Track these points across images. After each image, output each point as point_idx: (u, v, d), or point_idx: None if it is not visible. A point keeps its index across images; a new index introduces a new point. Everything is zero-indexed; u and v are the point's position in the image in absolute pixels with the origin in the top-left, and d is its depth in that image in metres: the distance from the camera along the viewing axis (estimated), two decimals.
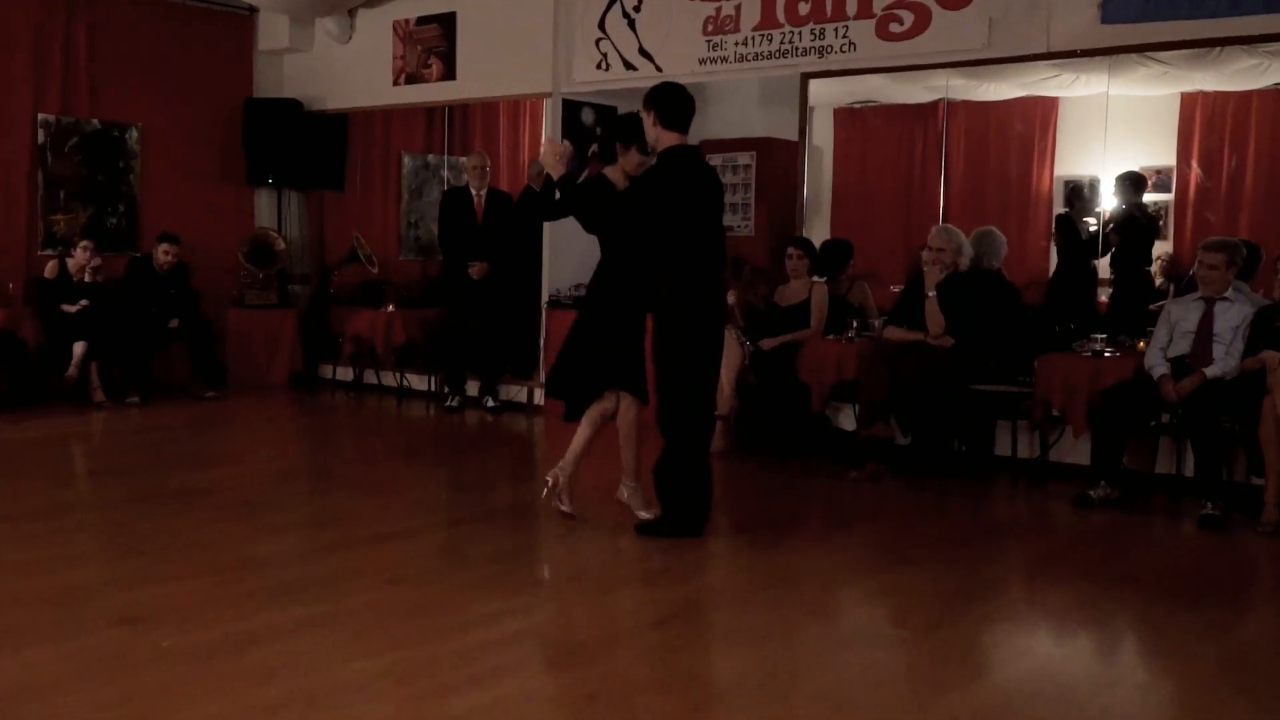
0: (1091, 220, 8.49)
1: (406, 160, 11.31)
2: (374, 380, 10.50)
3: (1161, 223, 9.14)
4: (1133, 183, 8.21)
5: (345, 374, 10.72)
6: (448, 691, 3.57)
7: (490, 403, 9.38)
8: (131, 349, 9.39)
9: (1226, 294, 6.22)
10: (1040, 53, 7.43)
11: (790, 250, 7.87)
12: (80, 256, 9.27)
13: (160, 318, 9.54)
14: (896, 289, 8.15)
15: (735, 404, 7.55)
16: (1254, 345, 6.03)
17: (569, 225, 9.25)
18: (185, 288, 9.77)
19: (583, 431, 5.55)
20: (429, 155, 11.24)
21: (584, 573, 5.03)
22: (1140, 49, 7.25)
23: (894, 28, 7.77)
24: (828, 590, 4.77)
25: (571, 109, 9.42)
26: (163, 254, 9.57)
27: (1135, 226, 8.04)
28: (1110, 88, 7.84)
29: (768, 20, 8.27)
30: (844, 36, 7.96)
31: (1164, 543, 5.90)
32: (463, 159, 10.22)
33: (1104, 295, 8.94)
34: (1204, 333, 6.19)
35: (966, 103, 9.34)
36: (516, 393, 9.61)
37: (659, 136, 5.28)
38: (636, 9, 8.89)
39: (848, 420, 7.70)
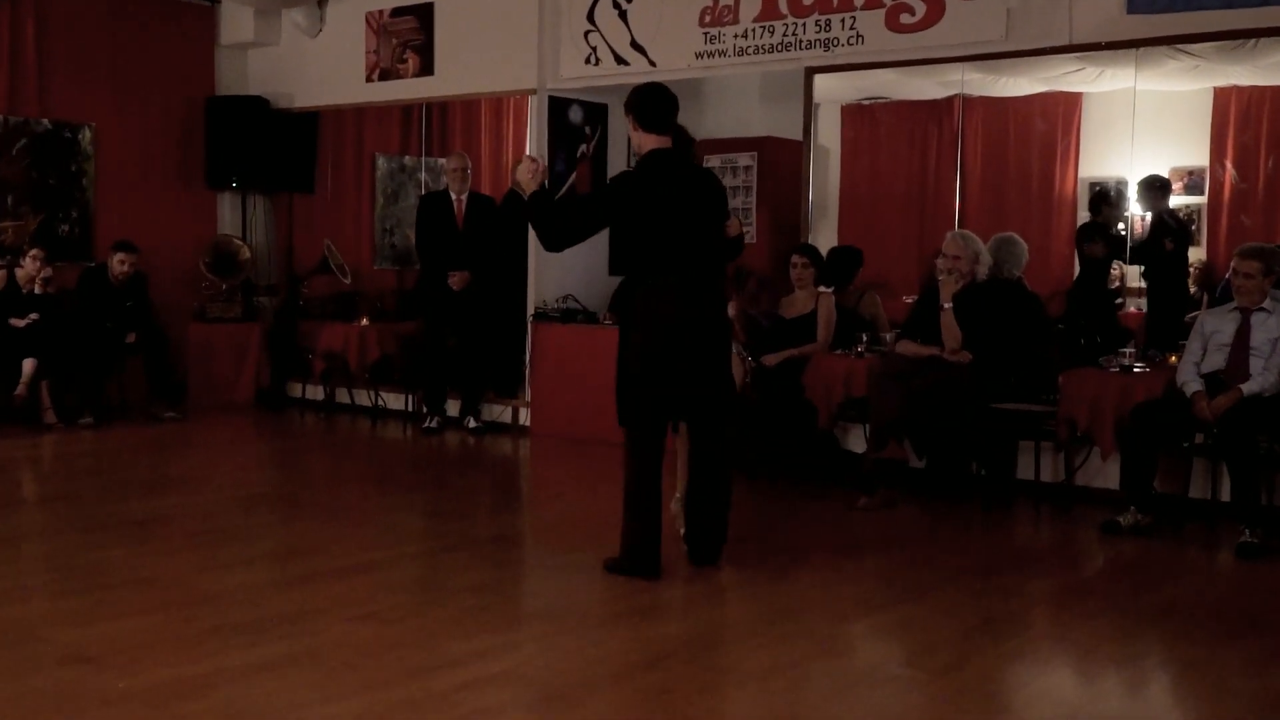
0: (1121, 226, 8.49)
1: (381, 162, 11.30)
2: (346, 399, 10.48)
3: (1195, 227, 9.15)
4: (1156, 187, 8.16)
5: (315, 393, 10.70)
6: None
7: (472, 423, 9.36)
8: (85, 366, 9.37)
9: (1264, 304, 6.21)
10: (1062, 45, 7.45)
11: (795, 258, 7.86)
12: (30, 267, 9.25)
13: (116, 332, 9.51)
14: (910, 300, 8.14)
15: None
16: None
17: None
18: (143, 300, 9.75)
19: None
20: (405, 157, 11.24)
21: (573, 608, 4.99)
22: (1170, 41, 7.27)
23: (905, 19, 7.79)
24: (836, 626, 4.74)
25: (559, 107, 9.43)
26: (118, 264, 9.55)
27: (1166, 233, 8.01)
28: (1137, 82, 7.86)
29: (769, 11, 8.28)
30: (851, 28, 7.98)
31: (1199, 573, 5.89)
32: (442, 161, 10.22)
33: (1133, 306, 8.95)
34: (1240, 346, 6.18)
35: (983, 99, 9.35)
36: (500, 413, 9.59)
37: (641, 140, 5.36)
38: (629, 1, 8.90)
39: (857, 442, 7.68)
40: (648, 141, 5.34)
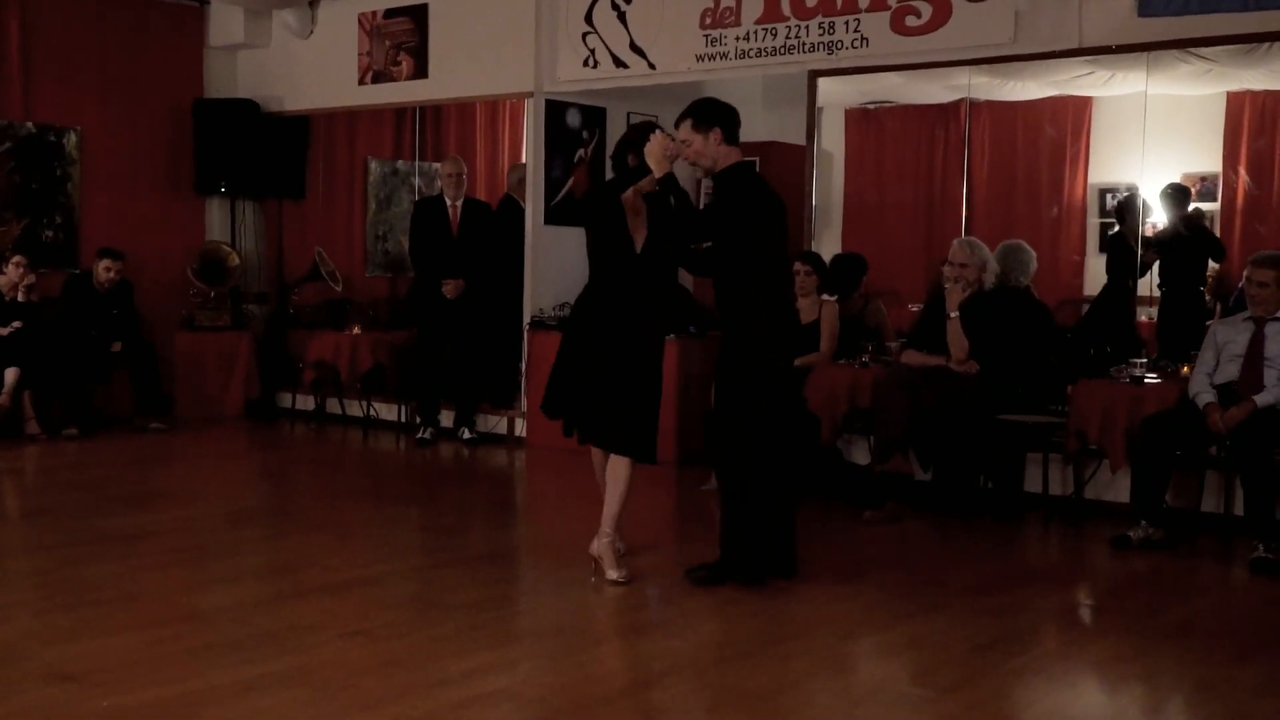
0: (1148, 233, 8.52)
1: (374, 167, 11.32)
2: (338, 410, 10.48)
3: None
4: (1175, 196, 8.16)
5: (306, 403, 10.71)
6: None
7: (467, 434, 9.36)
8: (69, 376, 9.38)
9: (1278, 314, 6.23)
10: (1072, 48, 7.45)
11: (797, 266, 7.86)
12: (12, 274, 9.25)
13: (101, 341, 9.52)
14: (915, 308, 8.15)
15: None
16: None
17: (552, 238, 9.43)
18: (129, 308, 9.76)
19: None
20: (399, 161, 11.25)
21: (571, 625, 4.99)
22: (1182, 44, 7.28)
23: (911, 21, 7.80)
24: (840, 644, 4.75)
25: (556, 110, 9.45)
26: (104, 271, 9.56)
27: (1180, 243, 7.97)
28: (1149, 86, 7.87)
29: (771, 13, 8.30)
30: (856, 31, 7.99)
31: (1212, 589, 5.89)
32: (436, 165, 10.23)
33: (1144, 315, 8.96)
34: (1254, 357, 6.20)
35: (991, 103, 9.37)
36: (496, 423, 9.60)
37: (722, 153, 5.31)
38: (628, 1, 8.92)
39: (862, 454, 7.69)
40: (730, 155, 5.31)
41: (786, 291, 5.52)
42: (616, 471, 5.37)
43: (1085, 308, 9.32)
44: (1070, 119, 9.46)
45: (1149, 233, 8.40)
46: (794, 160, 8.88)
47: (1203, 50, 7.45)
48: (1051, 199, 9.56)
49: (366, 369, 10.04)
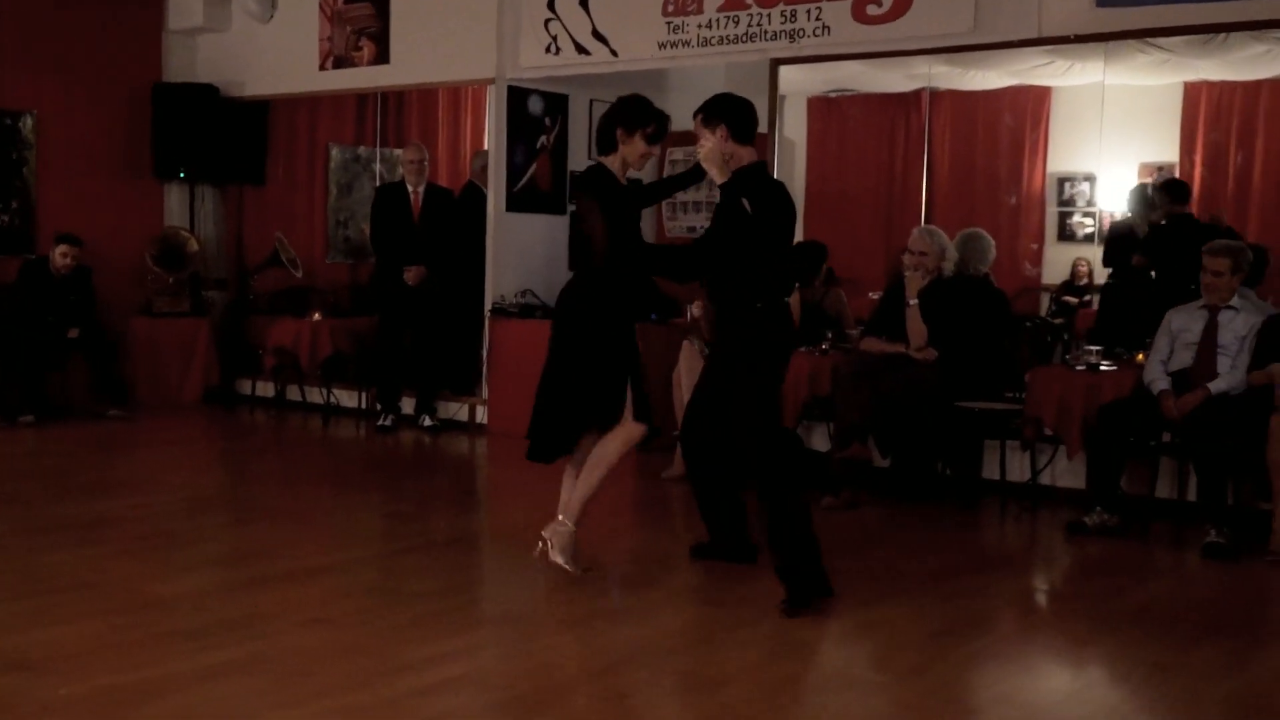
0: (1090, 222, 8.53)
1: (335, 152, 11.25)
2: (298, 397, 10.42)
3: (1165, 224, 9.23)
4: (1173, 190, 8.08)
5: (266, 390, 10.65)
6: None
7: (428, 421, 9.34)
8: (26, 362, 9.28)
9: (1232, 302, 6.29)
10: (1031, 38, 7.48)
11: None
12: None
13: (58, 327, 9.43)
14: (875, 296, 8.19)
15: None
16: (1261, 358, 6.11)
17: (514, 225, 9.40)
18: (86, 294, 9.67)
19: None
20: (360, 147, 11.19)
21: (532, 612, 5.00)
22: (1139, 34, 7.33)
23: (872, 10, 7.82)
24: (799, 630, 4.76)
25: (518, 97, 9.42)
26: (61, 256, 9.47)
27: (1174, 238, 7.76)
28: (1107, 76, 7.94)
29: (734, 1, 8.30)
30: (817, 19, 8.01)
31: (1166, 574, 5.96)
32: (398, 152, 10.19)
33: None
34: (1208, 344, 6.27)
35: (952, 92, 9.43)
36: (457, 410, 9.58)
37: (734, 153, 5.12)
38: None
39: (822, 441, 7.72)
40: (744, 154, 5.14)
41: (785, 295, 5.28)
42: (593, 460, 5.18)
43: (1046, 297, 9.40)
44: (1029, 108, 9.51)
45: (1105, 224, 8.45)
46: (756, 148, 8.86)
47: (1160, 41, 7.51)
48: (1010, 188, 9.63)
49: (327, 356, 10.00)
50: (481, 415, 9.42)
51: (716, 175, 5.02)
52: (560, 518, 5.23)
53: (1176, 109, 8.95)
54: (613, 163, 5.20)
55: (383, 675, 4.09)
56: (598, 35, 8.88)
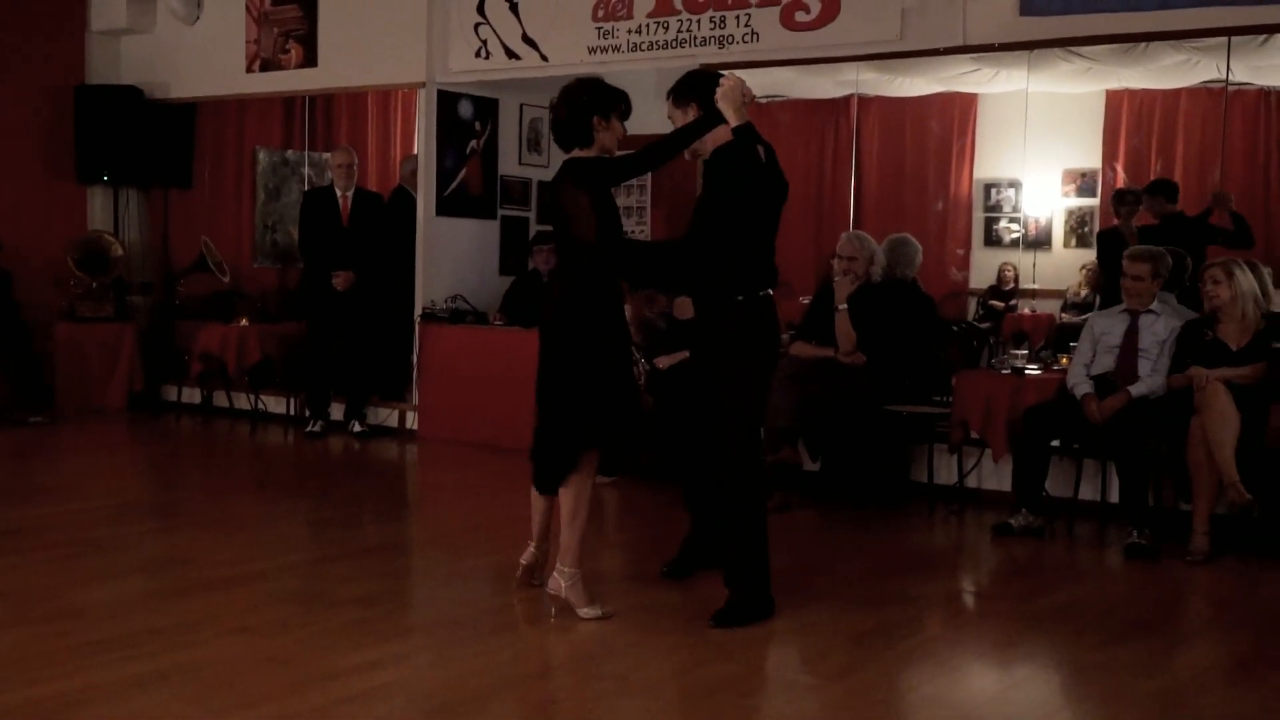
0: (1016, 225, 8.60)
1: (262, 156, 11.14)
2: (225, 403, 10.30)
3: (1087, 229, 9.39)
4: (1164, 190, 8.06)
5: (192, 396, 10.51)
6: None
7: (357, 427, 9.26)
8: None
9: (1152, 306, 6.39)
10: (956, 45, 7.55)
11: None
12: None
13: None
14: (805, 300, 8.24)
15: None
16: (1181, 361, 6.20)
17: (444, 230, 9.35)
18: (6, 298, 9.52)
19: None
20: (288, 151, 11.09)
21: (462, 618, 4.95)
22: (1062, 43, 7.44)
23: (800, 16, 7.87)
24: (729, 632, 4.76)
25: (448, 101, 9.38)
26: None
27: (1167, 238, 7.51)
28: (1031, 84, 8.05)
29: (663, 6, 8.32)
30: (746, 25, 8.04)
31: (1089, 574, 6.04)
32: (326, 155, 10.11)
33: (1026, 308, 9.13)
34: (1129, 348, 6.36)
35: (880, 98, 9.52)
36: (387, 416, 9.51)
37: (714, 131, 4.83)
38: None
39: None
40: (721, 131, 4.83)
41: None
42: (567, 492, 4.82)
43: (973, 301, 9.51)
44: (956, 115, 9.63)
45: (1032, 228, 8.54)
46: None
47: (1083, 49, 7.63)
48: (938, 193, 9.74)
49: (254, 361, 9.89)
50: (411, 421, 9.36)
51: (733, 117, 4.71)
52: (560, 567, 4.79)
53: (1099, 116, 9.10)
54: (591, 155, 4.82)
55: (309, 683, 4.04)
56: (528, 40, 8.86)
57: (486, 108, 9.63)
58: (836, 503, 7.12)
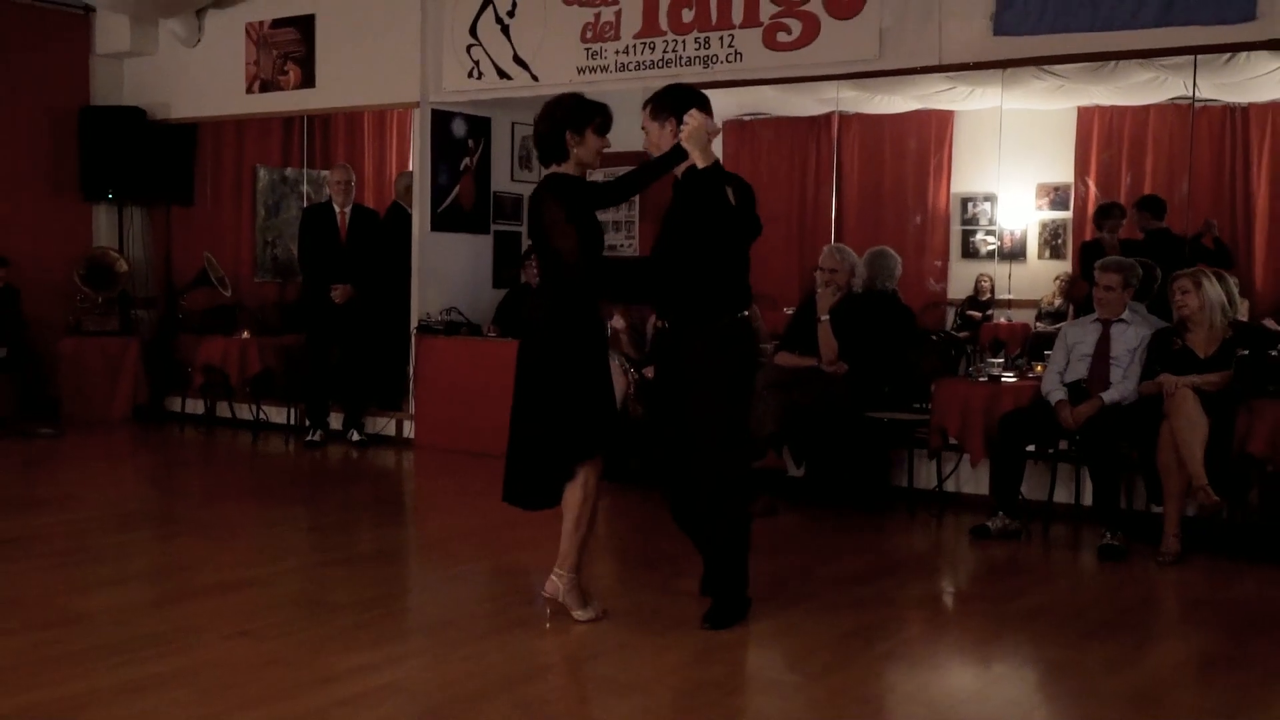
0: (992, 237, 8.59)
1: (262, 174, 11.12)
2: (227, 413, 10.27)
3: (1061, 241, 9.40)
4: (1151, 206, 8.02)
5: (196, 407, 10.47)
6: None
7: (355, 436, 9.24)
8: None
9: (1123, 316, 6.40)
10: (933, 65, 7.56)
11: None
12: None
13: None
14: (789, 311, 8.24)
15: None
16: (1151, 369, 6.21)
17: (439, 244, 9.34)
18: (14, 313, 9.50)
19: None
20: (287, 169, 11.07)
21: (456, 621, 4.93)
22: (1035, 62, 7.45)
23: (782, 37, 7.87)
24: (716, 632, 4.74)
25: (442, 120, 9.37)
26: None
27: (1152, 252, 7.50)
28: (1005, 101, 8.06)
29: (650, 28, 8.32)
30: (730, 46, 8.04)
31: (1063, 575, 6.03)
32: (324, 173, 10.09)
33: (1002, 317, 9.14)
34: (1101, 356, 6.37)
35: (859, 115, 9.53)
36: (384, 425, 9.49)
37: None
38: (510, 14, 8.89)
39: None
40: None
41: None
42: (570, 501, 4.73)
43: (951, 311, 9.51)
44: (933, 131, 9.64)
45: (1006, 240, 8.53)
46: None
47: (1055, 67, 7.64)
48: (916, 207, 9.74)
49: (256, 373, 9.87)
50: (408, 430, 9.33)
51: (700, 158, 4.50)
52: (557, 570, 4.71)
53: (1071, 132, 9.11)
54: (567, 171, 4.70)
55: (307, 686, 4.02)
56: (519, 60, 8.85)
57: (479, 126, 9.62)
58: (819, 507, 7.10)
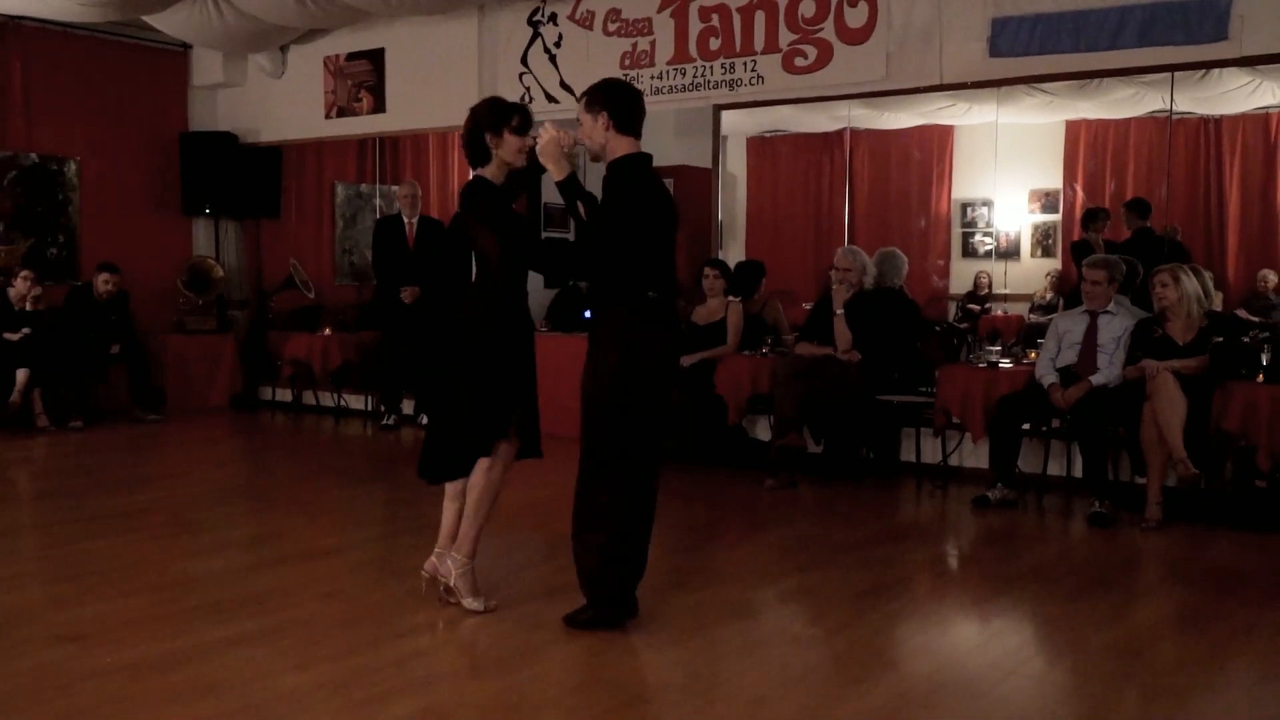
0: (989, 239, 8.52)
1: (340, 189, 11.18)
2: (312, 401, 10.36)
3: (1051, 241, 9.31)
4: (1138, 208, 7.87)
5: (284, 395, 10.56)
6: (383, 699, 3.51)
7: (425, 420, 9.27)
8: (73, 375, 9.18)
9: (1109, 307, 6.35)
10: (934, 84, 7.54)
11: (707, 271, 7.90)
12: (21, 286, 9.05)
13: (101, 344, 9.33)
14: (807, 306, 8.22)
15: None
16: (1134, 355, 6.16)
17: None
18: (125, 315, 9.57)
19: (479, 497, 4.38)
20: (361, 185, 11.13)
21: (514, 583, 4.95)
22: (1026, 80, 7.40)
23: (799, 62, 7.85)
24: (745, 592, 4.77)
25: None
26: (102, 283, 9.37)
27: (1137, 250, 7.29)
28: (1000, 116, 7.99)
29: (681, 55, 8.32)
30: (753, 70, 8.03)
31: (1057, 540, 5.99)
32: (394, 188, 10.13)
33: (999, 310, 9.06)
34: (1089, 344, 6.32)
35: (869, 131, 9.46)
36: None
37: (612, 144, 4.15)
38: (557, 45, 8.90)
39: (763, 431, 7.73)
40: (622, 144, 4.14)
41: (673, 290, 4.32)
42: (474, 482, 4.39)
43: (953, 305, 9.43)
44: (935, 144, 9.56)
45: (1002, 241, 8.45)
46: (703, 181, 8.89)
47: (1045, 85, 7.58)
48: (920, 212, 9.67)
49: (337, 365, 9.93)
50: None
51: (555, 171, 4.13)
52: (453, 554, 4.38)
53: (1059, 143, 9.02)
54: (490, 171, 4.37)
55: (383, 640, 4.05)
56: (565, 86, 8.87)
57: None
58: (836, 481, 7.09)
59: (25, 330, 8.91)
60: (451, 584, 4.41)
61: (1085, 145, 9.02)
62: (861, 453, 7.34)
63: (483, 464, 4.36)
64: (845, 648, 4.10)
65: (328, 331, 10.05)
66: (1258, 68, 6.93)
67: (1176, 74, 7.06)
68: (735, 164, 9.68)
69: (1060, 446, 6.79)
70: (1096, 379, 6.19)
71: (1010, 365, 6.83)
